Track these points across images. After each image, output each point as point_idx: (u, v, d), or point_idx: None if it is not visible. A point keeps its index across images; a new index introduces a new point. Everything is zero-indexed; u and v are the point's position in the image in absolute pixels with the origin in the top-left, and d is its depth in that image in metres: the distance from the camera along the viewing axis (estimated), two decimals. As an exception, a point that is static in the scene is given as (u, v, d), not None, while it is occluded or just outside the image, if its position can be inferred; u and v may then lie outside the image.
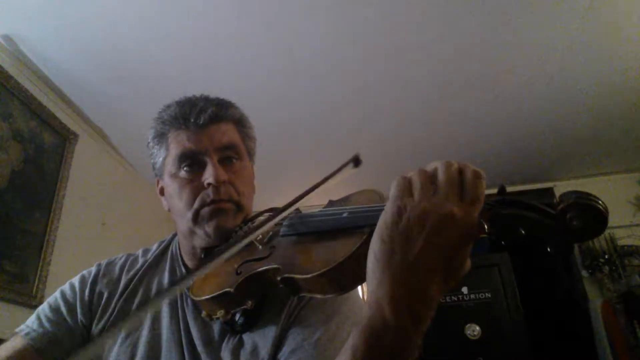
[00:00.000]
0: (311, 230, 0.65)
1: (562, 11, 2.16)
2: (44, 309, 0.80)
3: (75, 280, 0.85)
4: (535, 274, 3.32)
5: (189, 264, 0.85)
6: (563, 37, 2.33)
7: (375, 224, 0.52)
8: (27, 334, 0.76)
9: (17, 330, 0.78)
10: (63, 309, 0.79)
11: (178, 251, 0.87)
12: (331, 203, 0.75)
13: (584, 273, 3.38)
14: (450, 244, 0.45)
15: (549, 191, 4.00)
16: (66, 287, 0.84)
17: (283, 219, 0.69)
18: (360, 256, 0.53)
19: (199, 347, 0.72)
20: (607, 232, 3.58)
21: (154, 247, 0.92)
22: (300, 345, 0.67)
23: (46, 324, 0.77)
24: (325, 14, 2.11)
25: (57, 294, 0.83)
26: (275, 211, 0.81)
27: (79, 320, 0.78)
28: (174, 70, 2.38)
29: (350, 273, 0.54)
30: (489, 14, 2.16)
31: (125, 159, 3.22)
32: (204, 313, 0.70)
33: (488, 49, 2.41)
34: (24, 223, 2.19)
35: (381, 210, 0.52)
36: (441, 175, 0.47)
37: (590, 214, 0.44)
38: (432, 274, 0.45)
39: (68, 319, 0.78)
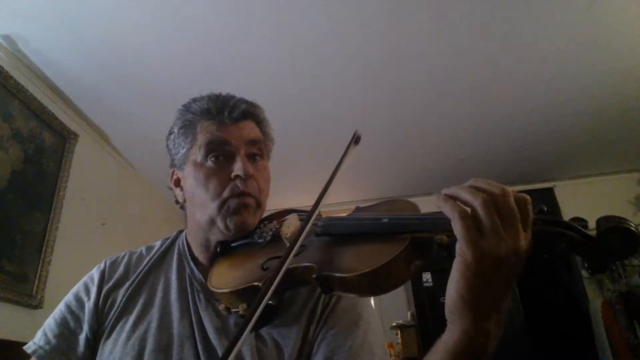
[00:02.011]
0: (349, 232, 0.67)
1: (562, 11, 2.16)
2: (49, 324, 0.79)
3: (80, 290, 0.82)
4: (535, 274, 3.32)
5: (200, 257, 0.84)
6: (563, 38, 2.34)
7: (416, 232, 0.57)
8: (34, 351, 0.75)
9: (25, 348, 0.77)
10: (70, 322, 0.78)
11: (186, 246, 0.86)
12: (359, 210, 0.76)
13: (584, 273, 3.37)
14: (519, 271, 0.50)
15: (549, 191, 3.99)
16: (70, 298, 0.82)
17: (316, 220, 0.70)
18: (400, 261, 0.56)
19: (214, 341, 0.71)
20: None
21: (158, 243, 0.91)
22: (335, 353, 0.69)
23: (53, 340, 0.76)
24: (326, 15, 2.11)
25: (61, 307, 0.81)
26: (292, 212, 0.82)
27: (89, 328, 0.77)
28: (174, 70, 2.38)
29: (389, 276, 0.56)
30: (488, 15, 2.17)
31: (125, 159, 3.22)
32: (221, 305, 0.70)
33: (488, 50, 2.41)
34: (24, 223, 2.19)
35: (422, 219, 0.58)
36: (509, 210, 0.49)
37: (626, 237, 0.49)
38: (508, 302, 0.52)
39: (76, 331, 0.77)
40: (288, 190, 3.83)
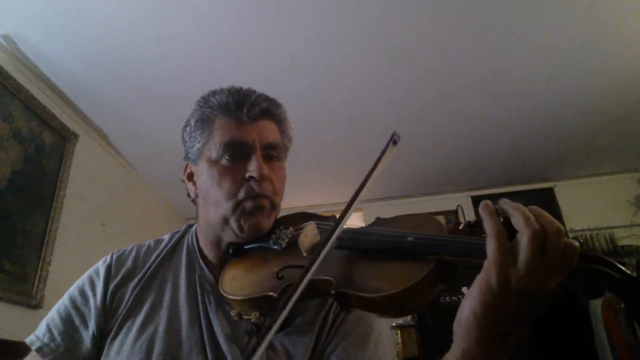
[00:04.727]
0: (370, 248, 0.64)
1: (562, 11, 2.16)
2: (54, 319, 0.76)
3: (85, 285, 0.79)
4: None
5: (209, 255, 0.82)
6: (563, 38, 2.34)
7: (443, 255, 0.54)
8: (39, 349, 0.73)
9: (27, 342, 0.75)
10: (75, 319, 0.76)
11: (195, 243, 0.84)
12: (380, 221, 0.73)
13: (584, 273, 3.37)
14: (540, 306, 0.49)
15: (549, 191, 3.99)
16: (75, 293, 0.79)
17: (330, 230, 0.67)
18: (424, 284, 0.53)
19: (224, 347, 0.70)
20: (607, 231, 3.58)
21: (166, 237, 0.89)
22: None
23: (58, 337, 0.74)
24: (326, 14, 2.11)
25: (66, 302, 0.78)
26: (309, 218, 0.80)
27: (94, 325, 0.75)
28: (174, 70, 2.38)
29: (411, 299, 0.54)
30: (489, 15, 2.16)
31: (125, 159, 3.22)
32: (233, 312, 0.68)
33: (488, 49, 2.41)
34: (24, 223, 2.19)
35: (450, 242, 0.54)
36: (553, 250, 0.46)
37: None
38: (520, 328, 0.50)
39: (81, 328, 0.75)
40: (287, 190, 3.83)
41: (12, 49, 2.18)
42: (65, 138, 2.54)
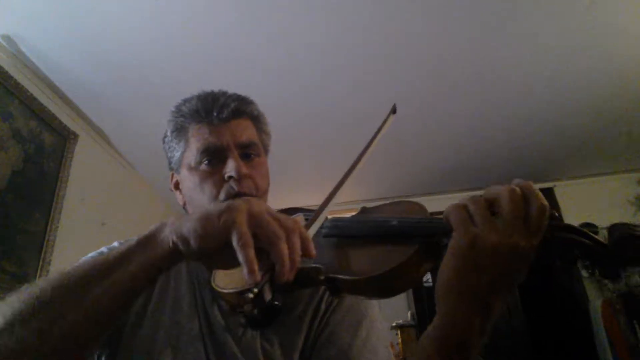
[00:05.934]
0: (357, 234, 0.66)
1: (562, 11, 2.16)
2: None
3: (103, 250, 0.81)
4: (534, 273, 3.32)
5: None
6: (563, 37, 2.34)
7: (426, 235, 0.58)
8: None
9: None
10: None
11: None
12: (365, 210, 0.76)
13: (584, 273, 3.38)
14: (514, 270, 0.52)
15: (549, 191, 3.99)
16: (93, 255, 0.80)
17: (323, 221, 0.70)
18: (410, 264, 0.56)
19: (221, 337, 0.72)
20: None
21: None
22: (337, 352, 0.70)
23: None
24: (324, 14, 2.11)
25: None
26: (298, 212, 0.81)
27: None
28: (174, 70, 2.38)
29: (399, 279, 0.57)
30: (488, 14, 2.17)
31: (125, 159, 3.22)
32: (227, 305, 0.69)
33: (488, 49, 2.41)
34: (24, 223, 2.19)
35: (432, 222, 0.59)
36: (507, 206, 0.51)
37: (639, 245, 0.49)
38: (498, 295, 0.52)
39: None
40: (286, 189, 3.83)
41: (12, 49, 2.18)
42: (65, 138, 2.54)
